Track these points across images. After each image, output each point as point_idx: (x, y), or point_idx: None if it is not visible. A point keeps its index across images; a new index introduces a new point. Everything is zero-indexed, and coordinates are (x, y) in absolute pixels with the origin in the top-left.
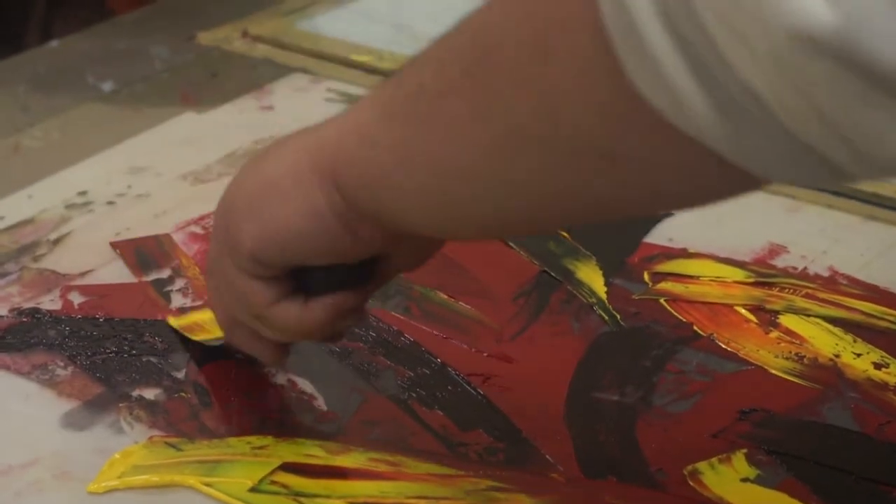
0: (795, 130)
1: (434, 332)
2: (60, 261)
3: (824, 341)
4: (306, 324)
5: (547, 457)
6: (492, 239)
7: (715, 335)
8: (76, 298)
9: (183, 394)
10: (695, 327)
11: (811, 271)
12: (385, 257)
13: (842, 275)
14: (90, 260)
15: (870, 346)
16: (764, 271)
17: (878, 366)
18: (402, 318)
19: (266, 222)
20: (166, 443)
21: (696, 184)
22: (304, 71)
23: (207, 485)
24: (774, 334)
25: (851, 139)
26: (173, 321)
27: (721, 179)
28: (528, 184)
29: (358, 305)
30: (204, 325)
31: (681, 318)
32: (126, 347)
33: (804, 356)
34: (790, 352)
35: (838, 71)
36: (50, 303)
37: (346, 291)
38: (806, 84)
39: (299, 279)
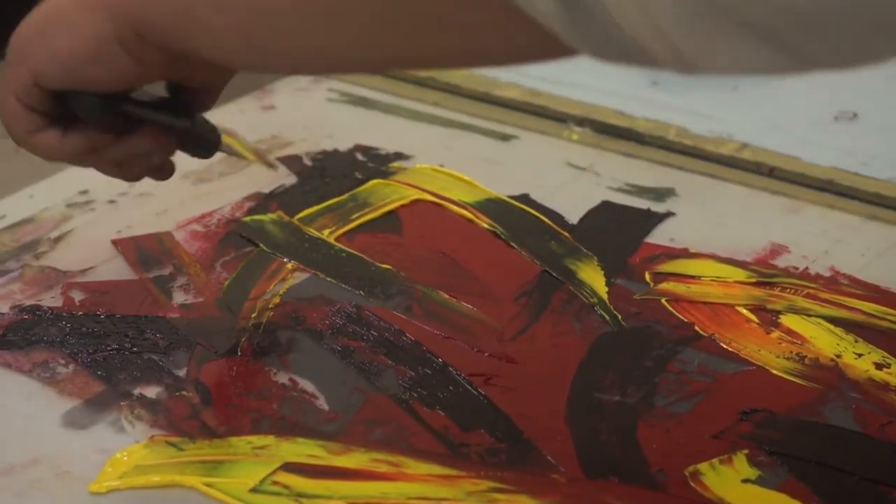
0: (631, 36)
1: (436, 331)
2: (62, 258)
3: (825, 341)
4: (65, 153)
5: (548, 457)
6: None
7: (716, 335)
8: (77, 295)
9: (184, 392)
10: (696, 327)
11: (812, 271)
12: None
13: (843, 275)
14: (91, 257)
15: (871, 346)
16: (765, 271)
17: (879, 366)
18: (403, 317)
19: (54, 47)
20: (167, 442)
21: (518, 52)
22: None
23: (208, 485)
24: (776, 334)
25: (682, 50)
26: None
27: (546, 51)
28: (351, 38)
29: (112, 144)
30: None
31: (682, 318)
32: (127, 345)
33: (805, 356)
34: (791, 352)
35: None
36: (51, 300)
37: (101, 124)
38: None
39: (66, 105)
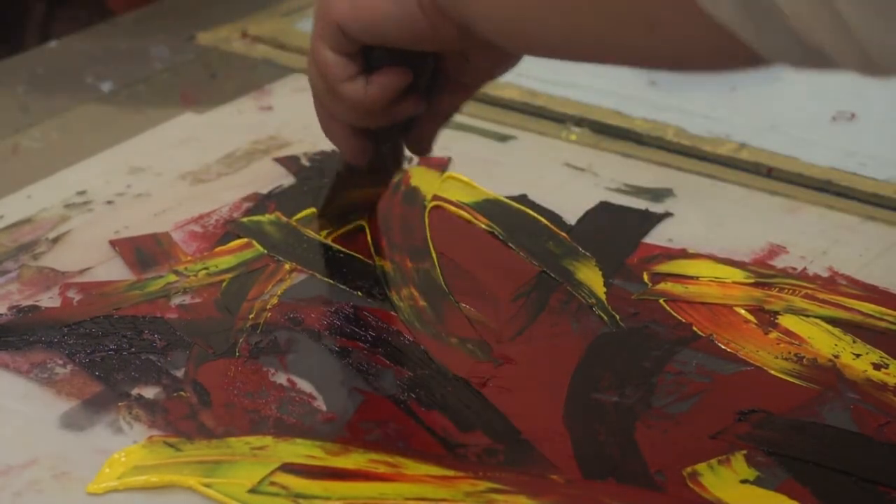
0: (812, 40)
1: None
2: (59, 259)
3: (824, 342)
4: (369, 99)
5: (546, 458)
6: (549, 57)
7: (714, 336)
8: (75, 296)
9: (182, 393)
10: (694, 328)
11: (810, 272)
12: (457, 61)
13: (841, 275)
14: (89, 258)
15: (869, 346)
16: (763, 272)
17: (877, 366)
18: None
19: (357, 1)
20: (165, 442)
21: (716, 58)
22: (304, 71)
23: (206, 486)
24: (774, 335)
25: (868, 51)
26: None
27: (738, 58)
28: (584, 26)
29: (414, 89)
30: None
31: (680, 318)
32: (125, 345)
33: (803, 357)
34: (789, 352)
35: None
36: (49, 300)
37: (403, 69)
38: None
39: (367, 58)
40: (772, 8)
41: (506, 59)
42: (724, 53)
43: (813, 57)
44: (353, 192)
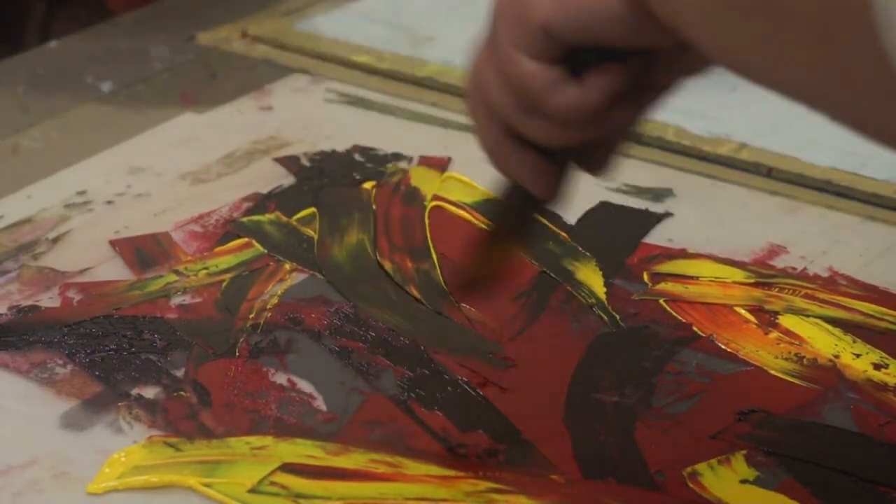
0: None
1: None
2: (59, 259)
3: (824, 342)
4: (585, 106)
5: (546, 458)
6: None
7: (714, 336)
8: (75, 296)
9: (182, 393)
10: (694, 328)
11: (811, 272)
12: (666, 60)
13: (841, 275)
14: (89, 258)
15: (869, 346)
16: (763, 272)
17: (877, 366)
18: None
19: (565, 2)
20: (165, 442)
21: None
22: (304, 71)
23: (206, 486)
24: (774, 335)
25: None
26: None
27: None
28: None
29: (632, 91)
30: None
31: (680, 318)
32: (125, 345)
33: (804, 357)
34: (790, 352)
35: None
36: (49, 300)
37: (620, 65)
38: None
39: (569, 62)
40: None
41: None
42: None
43: None
44: (498, 247)
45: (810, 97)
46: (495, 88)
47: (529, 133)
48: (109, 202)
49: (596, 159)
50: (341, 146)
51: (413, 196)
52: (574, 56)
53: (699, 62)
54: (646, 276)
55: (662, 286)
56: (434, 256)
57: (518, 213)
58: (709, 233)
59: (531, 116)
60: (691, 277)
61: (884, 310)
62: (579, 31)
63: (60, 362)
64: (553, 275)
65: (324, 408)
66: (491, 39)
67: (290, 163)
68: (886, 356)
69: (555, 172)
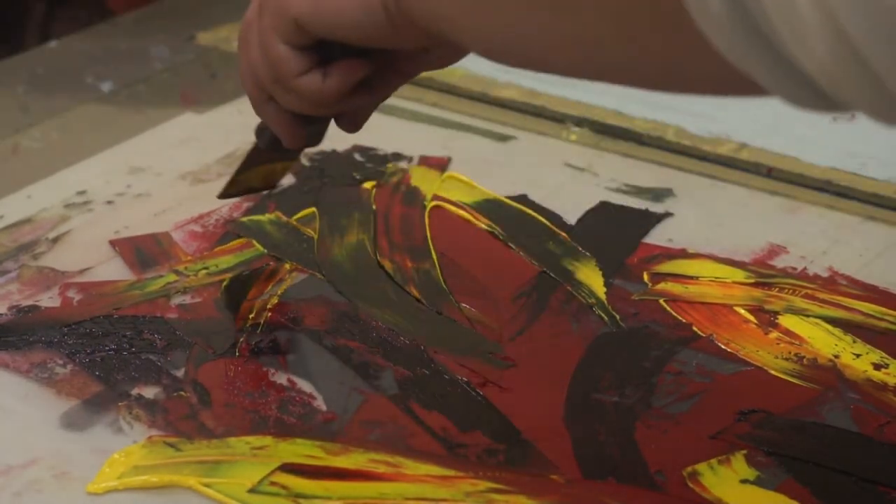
0: (830, 90)
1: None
2: (59, 259)
3: (824, 342)
4: (326, 92)
5: (546, 458)
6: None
7: (714, 336)
8: (75, 296)
9: (182, 393)
10: (694, 328)
11: (810, 272)
12: (411, 54)
13: (841, 275)
14: (89, 258)
15: (869, 346)
16: (763, 272)
17: (877, 366)
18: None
19: (319, 2)
20: (165, 442)
21: (714, 83)
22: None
23: (206, 486)
24: (774, 335)
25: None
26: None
27: (733, 84)
28: (566, 35)
29: (371, 81)
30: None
31: (680, 318)
32: (125, 345)
33: (803, 357)
34: (790, 352)
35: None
36: (49, 300)
37: (360, 60)
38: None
39: (319, 51)
40: (792, 62)
41: (462, 51)
42: (727, 83)
43: (831, 105)
44: (264, 165)
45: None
46: (257, 58)
47: (281, 101)
48: (109, 202)
49: (347, 122)
50: (341, 146)
51: (413, 196)
52: (324, 46)
53: (446, 57)
54: (646, 276)
55: (662, 286)
56: (434, 256)
57: (270, 149)
58: (709, 233)
59: (282, 89)
60: (691, 277)
61: (884, 310)
62: (326, 30)
63: (60, 362)
64: (553, 275)
65: (324, 408)
66: (259, 18)
67: None
68: (886, 356)
69: (300, 128)
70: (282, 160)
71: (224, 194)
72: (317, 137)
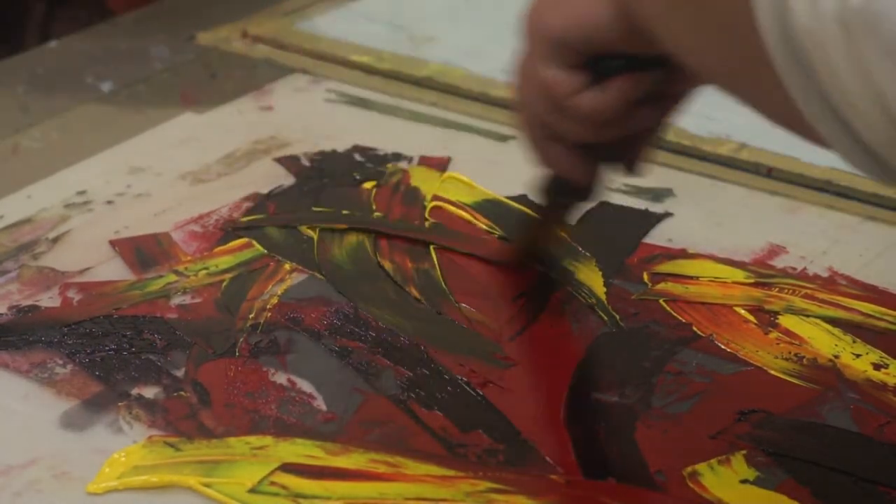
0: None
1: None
2: (59, 259)
3: (824, 342)
4: (604, 109)
5: (546, 458)
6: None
7: (714, 336)
8: (75, 296)
9: (182, 392)
10: (694, 328)
11: (810, 272)
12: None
13: (841, 275)
14: (89, 258)
15: (869, 346)
16: (763, 272)
17: (877, 366)
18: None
19: (569, 12)
20: (165, 442)
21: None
22: (304, 71)
23: (206, 485)
24: (774, 335)
25: None
26: None
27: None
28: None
29: (652, 95)
30: None
31: (680, 318)
32: (125, 345)
33: (803, 357)
34: (789, 352)
35: None
36: (49, 300)
37: (639, 73)
38: None
39: (595, 70)
40: (847, 122)
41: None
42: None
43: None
44: (550, 223)
45: (721, 80)
46: (532, 95)
47: (561, 131)
48: (109, 202)
49: (626, 160)
50: (341, 146)
51: (413, 196)
52: (598, 64)
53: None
54: (646, 276)
55: (662, 286)
56: (434, 256)
57: (559, 201)
58: (709, 233)
59: (561, 117)
60: (691, 277)
61: (884, 310)
62: (584, 40)
63: (60, 362)
64: (553, 275)
65: (324, 408)
66: (525, 52)
67: (290, 163)
68: (886, 356)
69: (588, 164)
70: (566, 208)
71: (515, 261)
72: (598, 178)
